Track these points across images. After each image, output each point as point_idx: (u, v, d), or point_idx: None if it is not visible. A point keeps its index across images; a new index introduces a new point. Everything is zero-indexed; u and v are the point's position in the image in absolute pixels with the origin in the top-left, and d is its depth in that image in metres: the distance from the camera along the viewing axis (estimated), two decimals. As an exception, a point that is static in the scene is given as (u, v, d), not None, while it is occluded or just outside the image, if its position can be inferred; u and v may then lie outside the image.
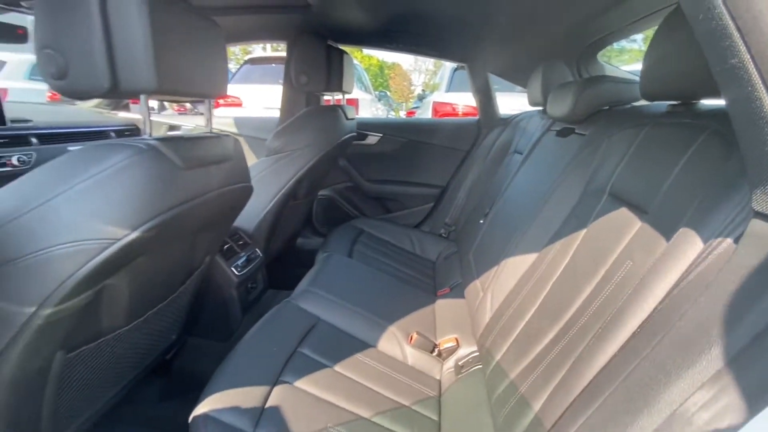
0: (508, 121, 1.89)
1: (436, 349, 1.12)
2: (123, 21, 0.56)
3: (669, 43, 0.64)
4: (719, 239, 0.38)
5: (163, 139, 0.65)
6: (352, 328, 1.08)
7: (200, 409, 0.71)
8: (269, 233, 1.47)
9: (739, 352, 0.28)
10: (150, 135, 0.65)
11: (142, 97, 0.62)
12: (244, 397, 0.75)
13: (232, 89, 3.68)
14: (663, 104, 0.78)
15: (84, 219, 0.55)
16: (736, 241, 0.36)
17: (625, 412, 0.32)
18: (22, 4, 1.29)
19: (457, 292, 1.35)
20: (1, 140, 1.43)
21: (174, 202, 0.65)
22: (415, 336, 1.11)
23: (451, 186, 2.08)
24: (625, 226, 0.65)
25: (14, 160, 1.46)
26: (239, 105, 3.79)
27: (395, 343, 1.09)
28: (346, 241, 1.60)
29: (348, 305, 1.15)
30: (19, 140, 1.50)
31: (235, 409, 0.71)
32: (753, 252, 0.31)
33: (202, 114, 2.65)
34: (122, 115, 2.12)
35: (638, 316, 0.44)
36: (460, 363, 1.06)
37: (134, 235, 0.59)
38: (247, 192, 0.95)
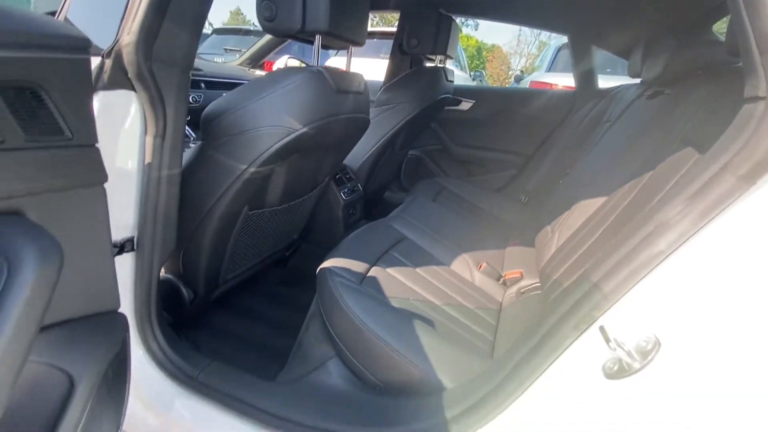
0: (605, 93, 1.90)
1: (502, 279, 1.30)
2: None
3: None
4: None
5: (326, 69, 0.92)
6: (431, 248, 1.31)
7: (324, 265, 1.00)
8: (369, 174, 1.76)
9: (711, 178, 0.43)
10: (317, 65, 0.93)
11: (317, 37, 0.90)
12: (353, 265, 1.03)
13: (337, 61, 4.04)
14: None
15: (279, 112, 0.85)
16: None
17: (626, 230, 0.48)
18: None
19: (528, 243, 1.49)
20: (183, 82, 1.91)
21: (327, 113, 0.92)
22: (484, 264, 1.29)
23: (538, 154, 2.14)
24: (683, 163, 0.76)
25: (189, 99, 1.94)
26: (343, 75, 4.16)
27: (466, 266, 1.29)
28: (430, 193, 1.82)
29: (429, 231, 1.37)
30: (193, 84, 1.98)
31: (348, 270, 0.99)
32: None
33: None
34: (258, 72, 2.57)
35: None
36: (522, 291, 1.22)
37: (303, 129, 0.87)
38: (365, 123, 1.21)
